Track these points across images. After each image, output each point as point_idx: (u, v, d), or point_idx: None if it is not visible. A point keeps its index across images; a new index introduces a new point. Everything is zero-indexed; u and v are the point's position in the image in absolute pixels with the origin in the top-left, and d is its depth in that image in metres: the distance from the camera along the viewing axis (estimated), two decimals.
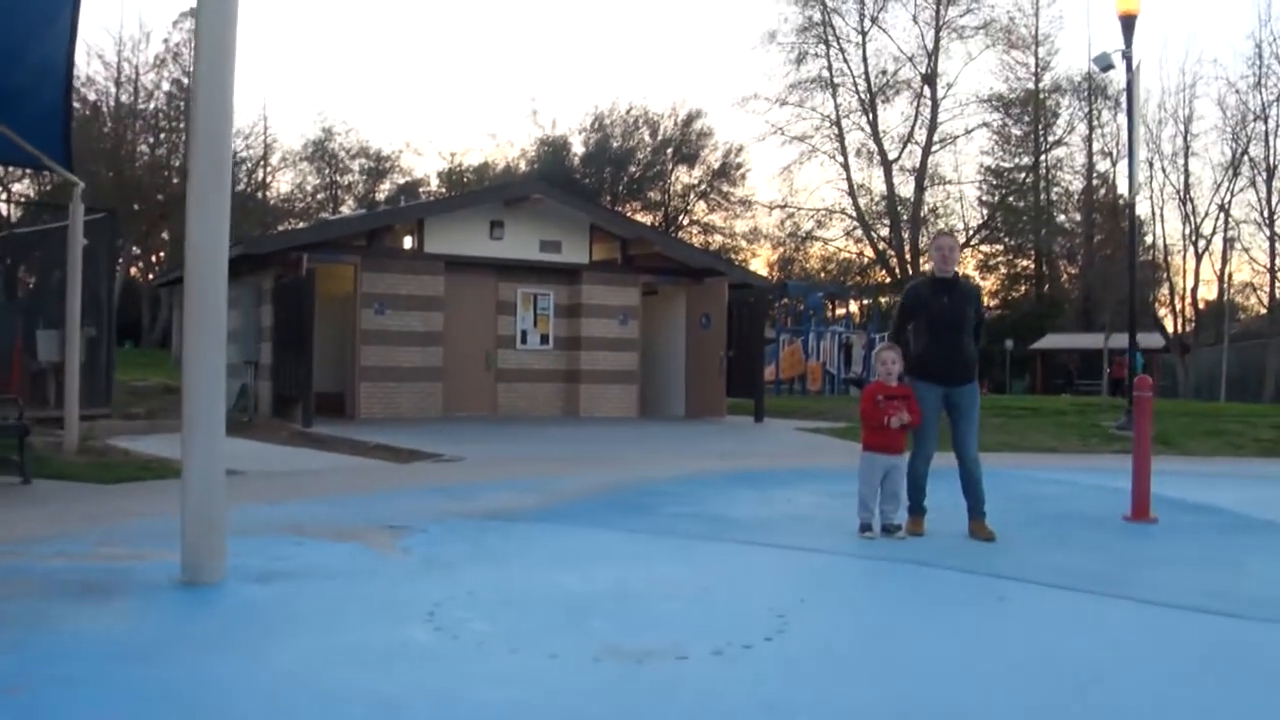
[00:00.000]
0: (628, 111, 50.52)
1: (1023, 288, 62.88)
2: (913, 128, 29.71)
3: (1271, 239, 38.47)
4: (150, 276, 41.50)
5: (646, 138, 50.56)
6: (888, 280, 36.41)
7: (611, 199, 47.30)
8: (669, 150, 50.23)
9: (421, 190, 47.30)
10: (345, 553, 6.00)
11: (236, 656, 4.05)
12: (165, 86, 39.17)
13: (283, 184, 48.91)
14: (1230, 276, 43.17)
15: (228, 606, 4.80)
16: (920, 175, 29.72)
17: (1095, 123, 37.02)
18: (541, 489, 8.90)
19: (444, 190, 46.28)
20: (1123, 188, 41.46)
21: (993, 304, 62.49)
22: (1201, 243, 36.19)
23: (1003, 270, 61.30)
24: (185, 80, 36.57)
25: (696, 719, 3.48)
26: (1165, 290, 37.86)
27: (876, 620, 4.98)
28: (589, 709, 3.55)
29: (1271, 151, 37.82)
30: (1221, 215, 37.69)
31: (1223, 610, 5.16)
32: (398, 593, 5.08)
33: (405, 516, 7.22)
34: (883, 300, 46.60)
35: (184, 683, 3.74)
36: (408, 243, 17.66)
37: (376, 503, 7.95)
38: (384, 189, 48.61)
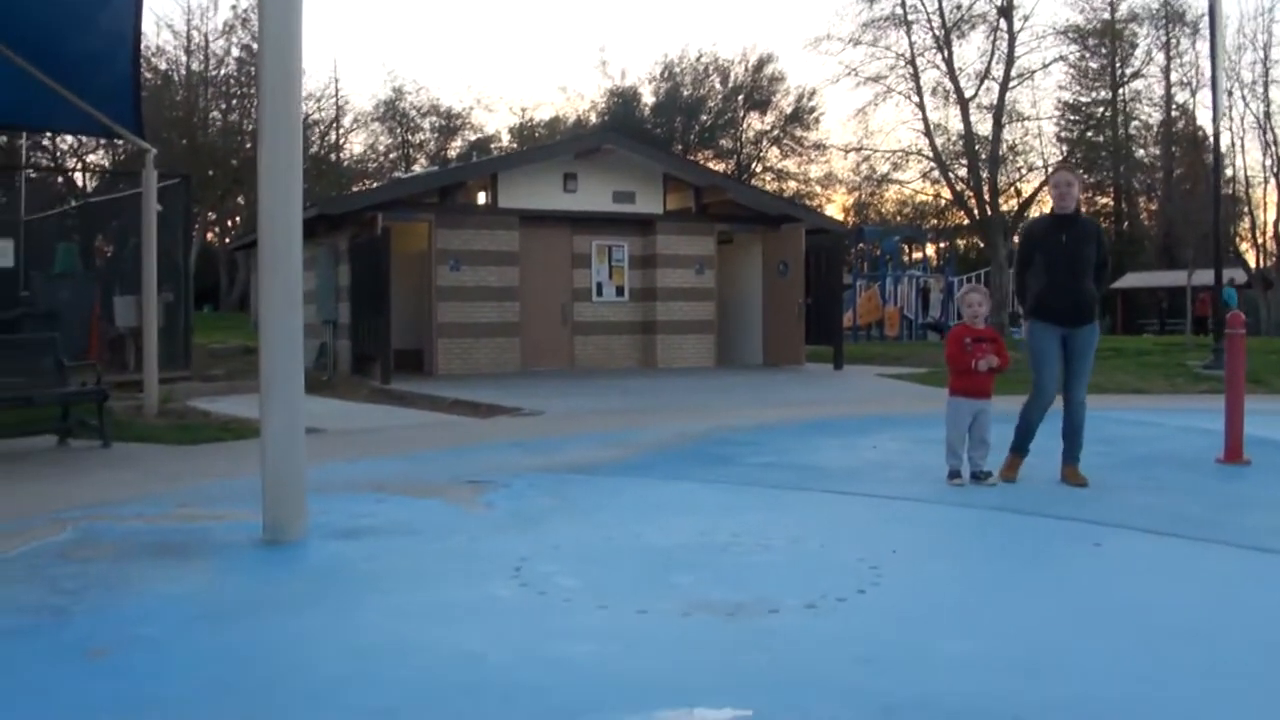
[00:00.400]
0: (697, 59, 49.94)
1: (1103, 225, 61.39)
2: (989, 63, 28.80)
3: None
4: (226, 241, 42.09)
5: (717, 85, 49.94)
6: (966, 222, 35.59)
7: (683, 148, 46.88)
8: (740, 97, 49.55)
9: (493, 146, 47.27)
10: (427, 509, 5.96)
11: (320, 614, 4.00)
12: (235, 52, 39.47)
13: (356, 145, 49.19)
14: None
15: (310, 565, 4.78)
16: (998, 112, 28.83)
17: (1173, 52, 35.86)
18: (621, 441, 8.84)
19: (515, 146, 46.20)
20: (1203, 119, 40.20)
21: None
22: None
23: (1082, 208, 59.87)
24: (254, 45, 36.83)
25: (790, 674, 3.36)
26: (1246, 224, 36.68)
27: (970, 570, 4.82)
28: (678, 664, 3.44)
29: None
30: None
31: None
32: (481, 548, 5.02)
33: (486, 471, 7.18)
34: (960, 243, 45.70)
35: (268, 642, 3.71)
36: (481, 198, 17.61)
37: (457, 458, 7.92)
38: (455, 146, 48.65)
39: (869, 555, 4.85)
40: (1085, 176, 39.45)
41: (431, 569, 4.67)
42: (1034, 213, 55.10)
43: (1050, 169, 34.56)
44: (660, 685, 3.25)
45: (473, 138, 48.88)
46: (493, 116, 71.02)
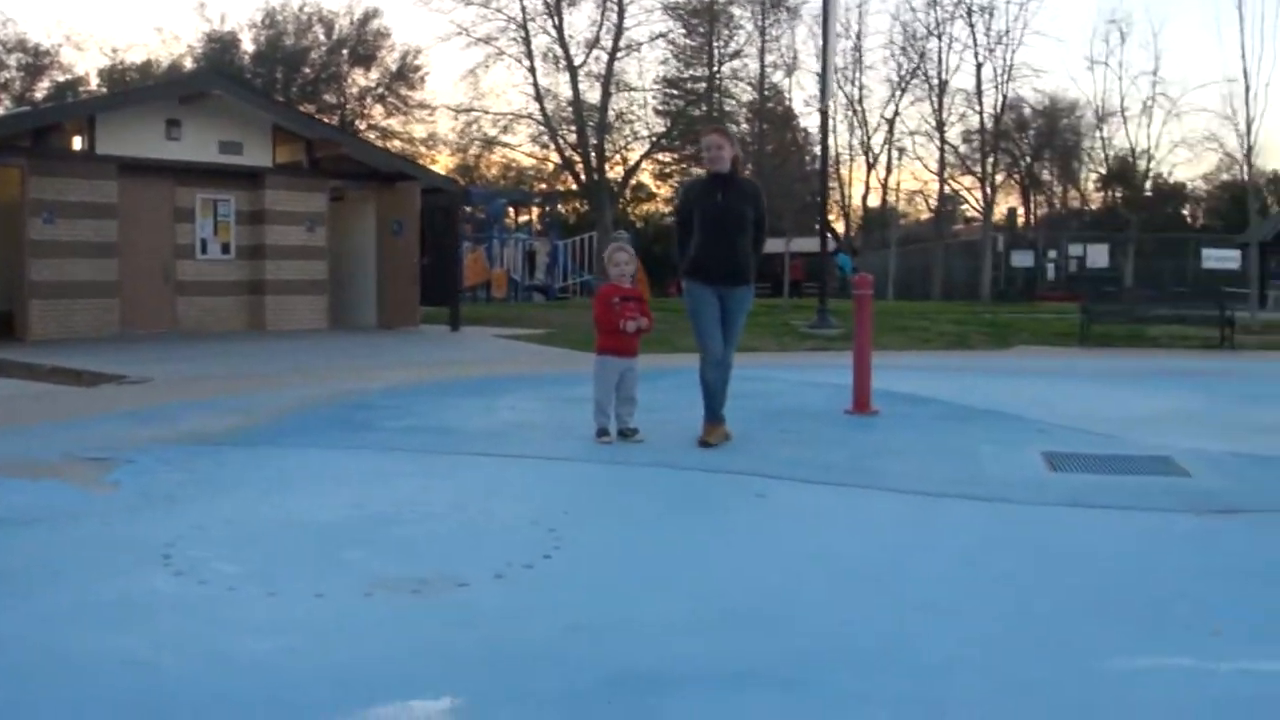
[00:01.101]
0: (301, 8, 47.60)
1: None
2: (598, 33, 29.40)
3: (941, 148, 41.30)
4: None
5: (321, 36, 47.92)
6: (573, 187, 36.28)
7: (285, 101, 44.64)
8: (345, 51, 47.85)
9: (81, 90, 42.90)
10: (46, 492, 5.19)
11: None
12: None
13: None
14: (898, 185, 46.43)
15: None
16: (606, 81, 29.52)
17: (769, 36, 38.14)
18: (244, 409, 8.24)
19: (105, 91, 42.15)
20: (795, 100, 43.28)
21: (667, 211, 64.25)
22: (872, 154, 38.40)
23: (677, 179, 62.85)
24: None
25: (501, 650, 3.13)
26: (836, 196, 39.96)
27: (646, 528, 4.78)
28: (377, 652, 3.12)
29: (943, 67, 40.45)
30: (888, 127, 40.05)
31: (972, 494, 5.30)
32: (119, 534, 4.40)
33: (103, 446, 6.39)
34: (562, 208, 46.66)
35: None
36: (77, 144, 15.79)
37: (67, 432, 7.00)
38: (43, 88, 43.79)
39: (540, 518, 4.70)
40: (684, 149, 41.33)
41: (69, 563, 4.01)
42: (640, 181, 57.19)
43: (653, 139, 35.92)
44: (365, 678, 2.91)
45: (61, 79, 44.20)
46: (83, 56, 64.75)
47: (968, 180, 42.92)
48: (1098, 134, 42.24)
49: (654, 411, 7.49)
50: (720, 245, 6.64)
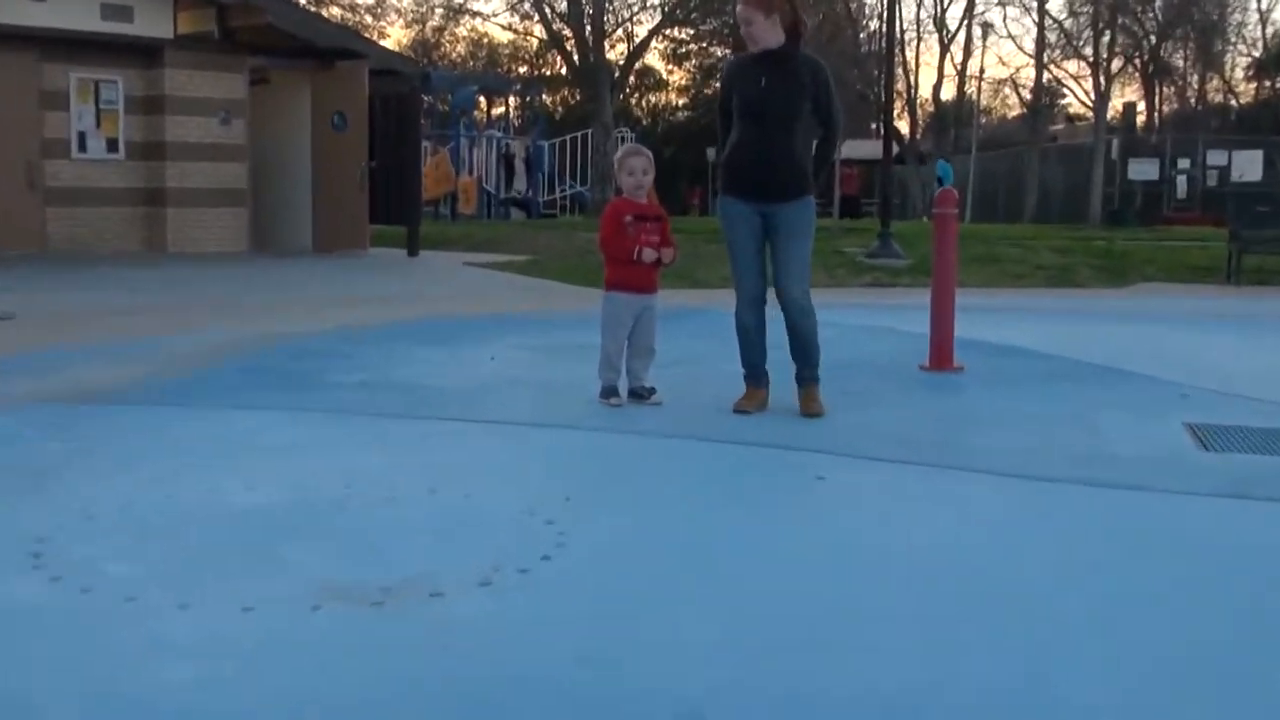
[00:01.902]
0: None
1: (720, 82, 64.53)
2: None
3: (1040, 23, 41.06)
4: None
5: None
6: (563, 71, 36.09)
7: None
8: None
9: None
10: None
11: None
12: None
13: None
14: (981, 72, 46.23)
15: None
16: None
17: None
18: (146, 355, 8.26)
19: None
20: None
21: (681, 104, 63.89)
22: (947, 31, 38.12)
23: (695, 61, 62.51)
24: None
25: (495, 688, 3.04)
26: (901, 86, 39.74)
27: (672, 520, 4.69)
28: (323, 684, 3.03)
29: None
30: None
31: (1095, 479, 5.22)
32: None
33: None
34: (548, 99, 46.30)
35: None
36: None
37: None
38: None
39: (537, 506, 4.63)
40: (699, 22, 40.88)
41: None
42: (648, 65, 56.74)
43: (665, 9, 35.67)
44: None
45: None
46: None
47: (1073, 66, 42.87)
48: (1252, 4, 41.97)
49: (675, 365, 7.43)
50: (760, 146, 6.47)
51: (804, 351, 6.62)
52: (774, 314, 6.64)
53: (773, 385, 6.74)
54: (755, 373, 6.70)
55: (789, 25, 6.43)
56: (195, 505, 4.62)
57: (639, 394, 6.83)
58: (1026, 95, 45.53)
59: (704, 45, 58.33)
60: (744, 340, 6.69)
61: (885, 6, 18.20)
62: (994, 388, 7.61)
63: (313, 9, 46.42)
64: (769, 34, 6.44)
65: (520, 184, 35.26)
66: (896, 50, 36.81)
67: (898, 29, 36.80)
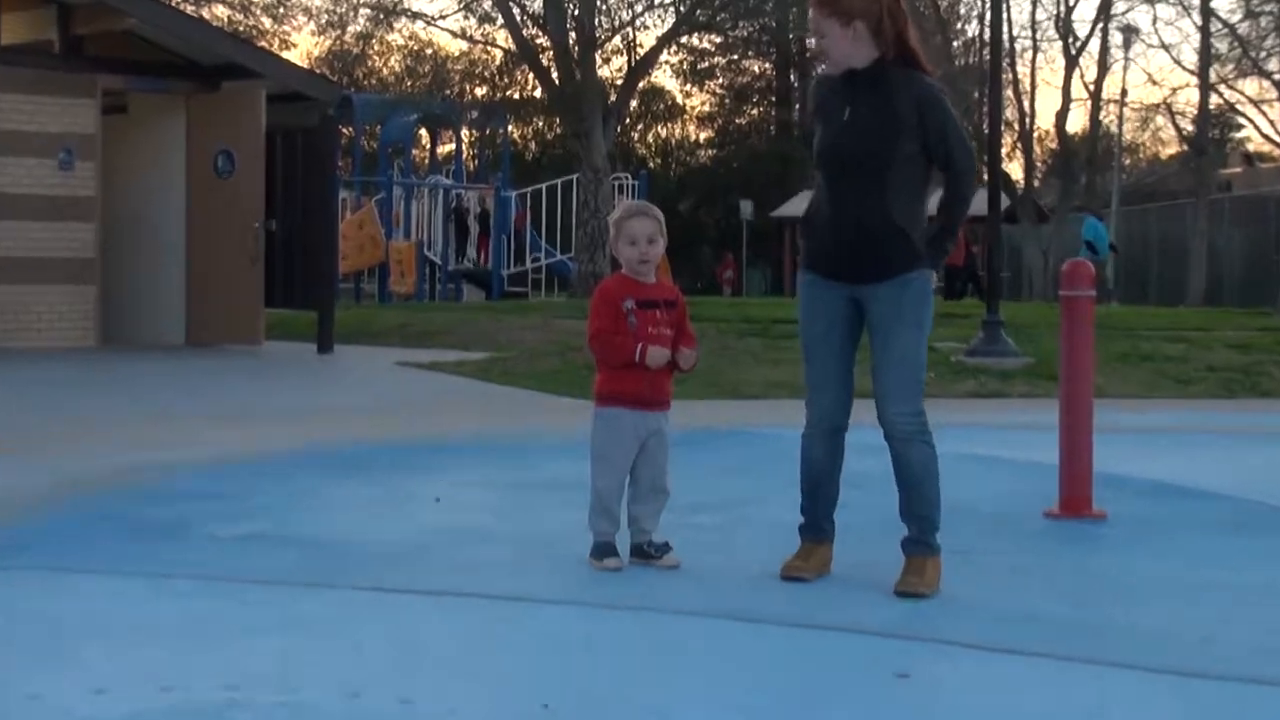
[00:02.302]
0: None
1: (758, 110, 65.03)
2: None
3: (1204, 28, 41.34)
4: None
5: None
6: (538, 93, 36.37)
7: None
8: None
9: None
10: None
11: None
12: None
13: None
14: (1122, 96, 46.52)
15: None
16: None
17: None
18: None
19: None
20: None
21: (704, 139, 64.46)
22: (1074, 40, 38.44)
23: (722, 79, 63.12)
24: None
25: None
26: (1011, 113, 40.05)
27: None
28: None
29: None
30: None
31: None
32: None
33: None
34: (517, 131, 46.50)
35: None
36: None
37: None
38: None
39: (500, 718, 4.61)
40: (729, 25, 41.36)
41: None
42: (655, 84, 57.22)
43: (680, 8, 35.94)
44: None
45: None
46: None
47: (1252, 86, 43.10)
48: None
49: (698, 512, 7.41)
50: (844, 202, 6.47)
51: (913, 501, 6.47)
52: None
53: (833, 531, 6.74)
54: (816, 525, 6.67)
55: (891, 36, 6.41)
56: (16, 713, 4.59)
57: (645, 553, 6.83)
58: (1187, 127, 45.82)
59: (734, 59, 59.03)
60: (808, 479, 6.66)
61: (988, 3, 18.31)
62: (1148, 543, 7.60)
63: (194, 10, 47.31)
64: (851, 49, 6.45)
65: (473, 250, 35.58)
66: (1005, 64, 37.21)
67: (1005, 35, 37.21)
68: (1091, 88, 45.21)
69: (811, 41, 50.69)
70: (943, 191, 6.60)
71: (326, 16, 38.25)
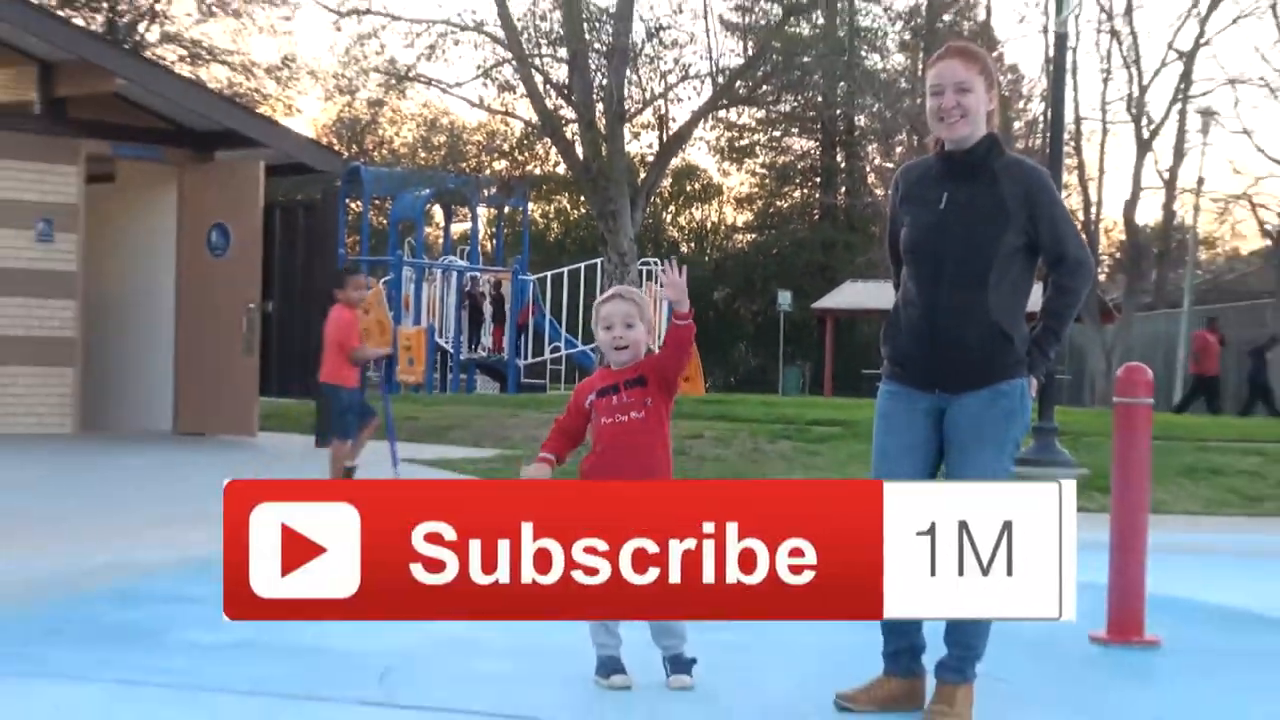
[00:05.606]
0: None
1: (801, 192, 65.12)
2: None
3: None
4: None
5: None
6: (561, 168, 36.56)
7: None
8: None
9: None
10: None
11: None
12: None
13: None
14: (1199, 185, 46.47)
15: None
16: None
17: None
18: None
19: None
20: (997, 12, 43.66)
21: (743, 222, 64.53)
22: (1148, 120, 38.50)
23: (762, 158, 63.23)
24: None
25: None
26: (1077, 200, 40.10)
27: None
28: None
29: None
30: (1181, 67, 40.17)
31: None
32: None
33: None
34: (538, 210, 46.59)
35: None
36: None
37: None
38: None
39: None
40: (773, 98, 41.54)
41: None
42: (690, 163, 57.52)
43: (718, 80, 36.08)
44: None
45: None
46: None
47: None
48: None
49: (720, 629, 7.44)
50: (940, 301, 6.39)
51: (964, 627, 6.34)
52: None
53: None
54: (898, 655, 6.56)
55: (991, 110, 6.40)
56: None
57: (674, 672, 6.81)
58: (1271, 220, 45.77)
59: (776, 135, 59.23)
60: None
61: (1050, 80, 18.43)
62: (1208, 676, 7.55)
63: (189, 70, 47.63)
64: (980, 117, 6.38)
65: (488, 338, 35.64)
66: (1069, 148, 37.29)
67: (1071, 115, 37.27)
68: (1165, 175, 45.16)
69: (861, 119, 50.89)
70: (1048, 288, 6.48)
71: (335, 82, 38.33)
